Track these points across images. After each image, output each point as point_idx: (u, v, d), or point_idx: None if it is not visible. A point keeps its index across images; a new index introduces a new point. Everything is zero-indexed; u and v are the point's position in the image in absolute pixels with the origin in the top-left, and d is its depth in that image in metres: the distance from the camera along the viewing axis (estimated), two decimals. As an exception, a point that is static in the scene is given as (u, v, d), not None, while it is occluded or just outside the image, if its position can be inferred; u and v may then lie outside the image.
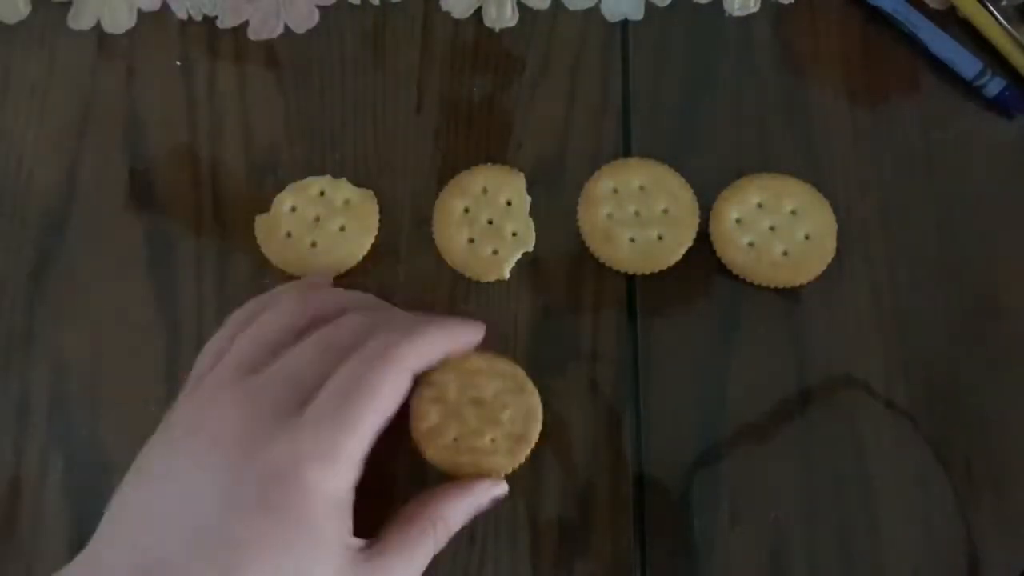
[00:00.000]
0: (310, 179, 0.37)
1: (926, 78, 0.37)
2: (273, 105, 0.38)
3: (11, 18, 0.40)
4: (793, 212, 0.35)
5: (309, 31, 0.39)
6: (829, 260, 0.35)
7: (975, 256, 0.35)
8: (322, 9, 0.39)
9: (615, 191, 0.35)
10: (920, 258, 0.35)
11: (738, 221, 0.35)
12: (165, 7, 0.40)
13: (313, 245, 0.36)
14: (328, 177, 0.37)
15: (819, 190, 0.35)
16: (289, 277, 0.36)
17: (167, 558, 0.24)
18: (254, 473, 0.25)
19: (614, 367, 0.34)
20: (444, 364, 0.29)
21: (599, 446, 0.34)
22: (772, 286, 0.35)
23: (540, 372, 0.31)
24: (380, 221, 0.36)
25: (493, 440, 0.29)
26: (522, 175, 0.36)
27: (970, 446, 0.33)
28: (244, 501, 0.25)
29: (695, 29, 0.38)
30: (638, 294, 0.35)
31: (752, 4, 0.39)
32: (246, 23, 0.39)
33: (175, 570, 0.24)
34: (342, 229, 0.36)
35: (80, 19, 0.40)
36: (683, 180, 0.35)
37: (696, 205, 0.35)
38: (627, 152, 0.37)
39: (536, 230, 0.36)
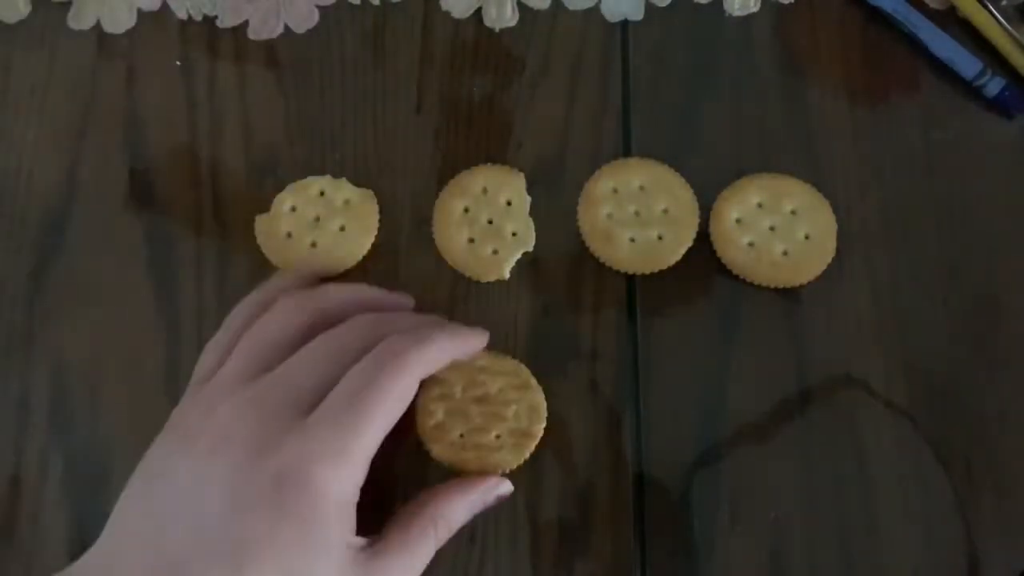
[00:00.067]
0: (310, 179, 0.37)
1: (926, 78, 0.37)
2: (273, 105, 0.38)
3: (11, 18, 0.40)
4: (793, 212, 0.35)
5: (309, 31, 0.39)
6: (829, 260, 0.35)
7: (975, 256, 0.35)
8: (322, 9, 0.39)
9: (615, 191, 0.35)
10: (920, 258, 0.35)
11: (738, 221, 0.35)
12: (165, 7, 0.40)
13: (313, 245, 0.36)
14: (328, 177, 0.37)
15: (819, 190, 0.35)
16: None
17: (179, 558, 0.24)
18: (263, 474, 0.25)
19: (614, 367, 0.34)
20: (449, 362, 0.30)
21: (599, 446, 0.34)
22: (772, 286, 0.35)
23: (540, 372, 0.31)
24: (380, 221, 0.36)
25: (498, 436, 0.30)
26: (522, 175, 0.36)
27: (970, 446, 0.33)
28: (253, 501, 0.25)
29: (695, 29, 0.38)
30: (638, 294, 0.35)
31: (752, 4, 0.39)
32: (246, 23, 0.39)
33: (188, 570, 0.24)
34: (342, 229, 0.36)
35: (80, 19, 0.40)
36: (683, 180, 0.35)
37: (696, 205, 0.35)
38: (627, 152, 0.37)
39: (536, 230, 0.36)
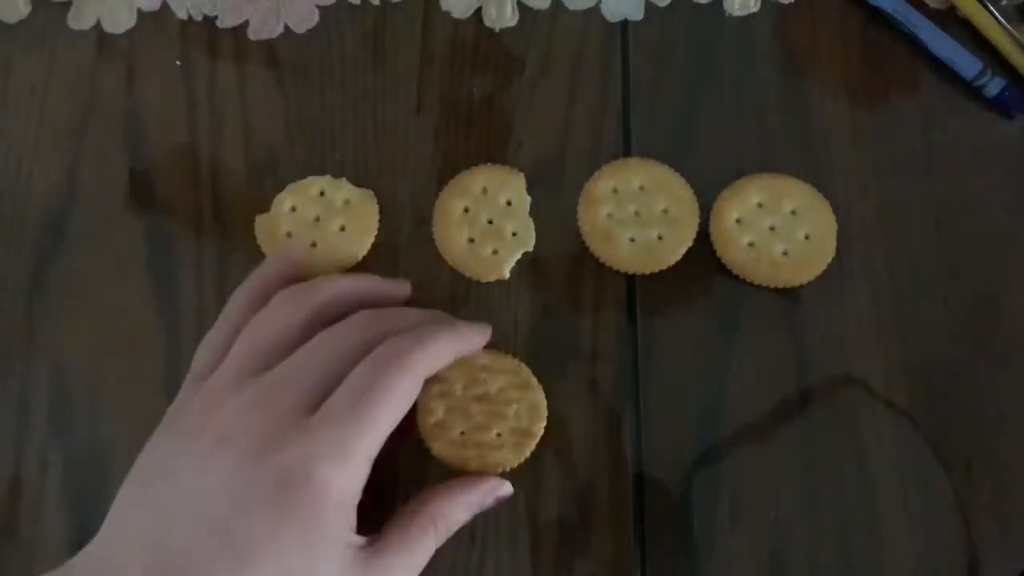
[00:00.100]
0: (310, 179, 0.37)
1: (926, 78, 0.37)
2: (273, 105, 0.38)
3: (11, 18, 0.40)
4: (793, 212, 0.35)
5: (309, 31, 0.39)
6: (829, 260, 0.35)
7: (975, 256, 0.35)
8: (322, 9, 0.39)
9: (615, 191, 0.35)
10: (920, 258, 0.35)
11: (738, 221, 0.35)
12: (165, 7, 0.40)
13: (313, 245, 0.36)
14: (328, 177, 0.37)
15: (819, 190, 0.35)
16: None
17: (180, 557, 0.24)
18: (265, 474, 0.25)
19: (614, 367, 0.34)
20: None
21: (599, 446, 0.34)
22: (772, 286, 0.35)
23: (540, 372, 0.31)
24: (380, 221, 0.36)
25: (499, 435, 0.30)
26: (522, 175, 0.36)
27: (970, 446, 0.33)
28: (255, 501, 0.25)
29: (695, 29, 0.38)
30: (638, 294, 0.35)
31: (752, 4, 0.39)
32: (246, 23, 0.39)
33: (187, 567, 0.24)
34: (342, 229, 0.36)
35: (80, 19, 0.40)
36: (683, 180, 0.35)
37: (696, 205, 0.35)
38: (627, 152, 0.37)
39: (536, 230, 0.36)
